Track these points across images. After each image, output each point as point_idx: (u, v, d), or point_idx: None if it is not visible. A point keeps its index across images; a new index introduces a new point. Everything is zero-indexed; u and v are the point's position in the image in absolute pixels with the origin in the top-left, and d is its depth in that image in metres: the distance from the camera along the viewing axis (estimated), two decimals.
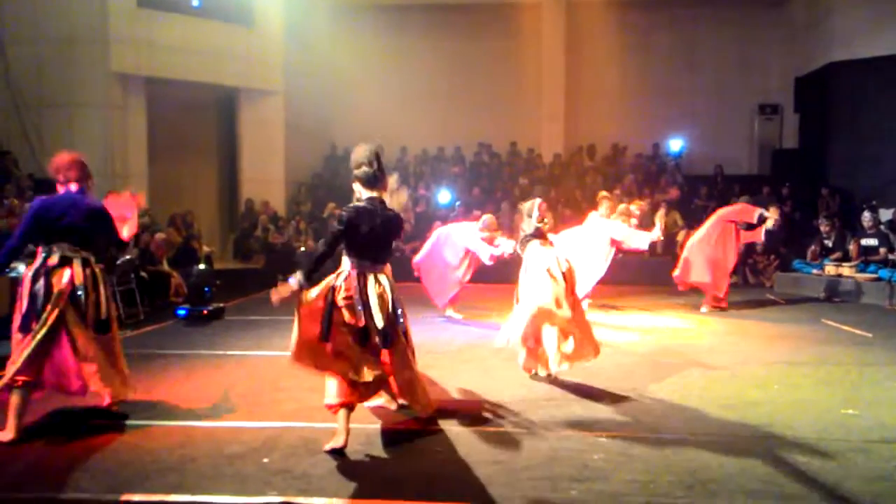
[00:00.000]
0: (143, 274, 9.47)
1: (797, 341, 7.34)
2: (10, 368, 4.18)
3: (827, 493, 3.43)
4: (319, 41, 15.75)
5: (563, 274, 5.47)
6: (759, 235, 9.57)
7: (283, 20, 14.90)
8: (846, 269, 10.96)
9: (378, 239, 4.16)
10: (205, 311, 8.63)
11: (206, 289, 8.97)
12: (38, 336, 4.20)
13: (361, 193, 4.21)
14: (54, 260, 4.34)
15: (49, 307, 4.24)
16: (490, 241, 8.21)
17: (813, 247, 11.93)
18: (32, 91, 12.34)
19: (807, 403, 4.97)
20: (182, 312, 8.64)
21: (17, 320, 4.30)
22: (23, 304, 4.29)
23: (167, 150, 13.93)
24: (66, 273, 4.32)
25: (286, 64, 15.03)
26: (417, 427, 4.36)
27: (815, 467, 3.73)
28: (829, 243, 11.73)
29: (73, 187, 4.48)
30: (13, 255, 4.35)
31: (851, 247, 11.33)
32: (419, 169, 16.54)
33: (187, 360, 6.35)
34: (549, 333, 5.35)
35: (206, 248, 11.90)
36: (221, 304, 9.04)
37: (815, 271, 11.46)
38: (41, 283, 4.28)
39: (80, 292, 4.33)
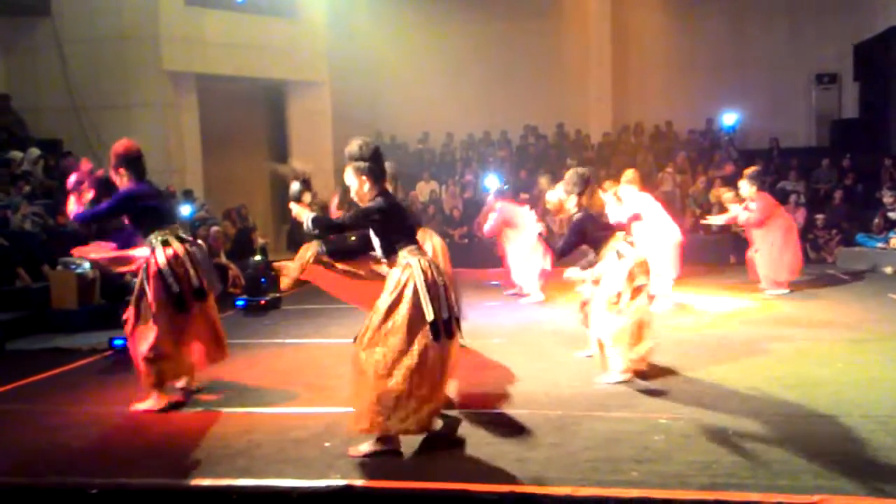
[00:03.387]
0: None
1: (862, 318, 7.11)
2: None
3: None
4: (362, 30, 15.81)
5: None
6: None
7: (325, 11, 14.98)
8: None
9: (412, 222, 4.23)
10: (262, 302, 8.83)
11: (263, 279, 9.16)
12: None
13: (366, 187, 4.10)
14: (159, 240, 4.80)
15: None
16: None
17: (876, 220, 11.51)
18: (90, 92, 12.69)
19: (874, 381, 4.83)
20: (241, 303, 8.86)
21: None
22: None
23: (219, 144, 14.20)
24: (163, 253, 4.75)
25: (331, 54, 15.15)
26: (476, 410, 4.39)
27: (886, 447, 3.64)
28: (893, 216, 11.29)
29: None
30: (92, 221, 4.89)
31: None
32: (465, 154, 16.50)
33: (249, 349, 6.53)
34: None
35: (261, 240, 12.13)
36: (278, 294, 9.22)
37: (879, 245, 11.06)
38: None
39: (167, 275, 4.68)
